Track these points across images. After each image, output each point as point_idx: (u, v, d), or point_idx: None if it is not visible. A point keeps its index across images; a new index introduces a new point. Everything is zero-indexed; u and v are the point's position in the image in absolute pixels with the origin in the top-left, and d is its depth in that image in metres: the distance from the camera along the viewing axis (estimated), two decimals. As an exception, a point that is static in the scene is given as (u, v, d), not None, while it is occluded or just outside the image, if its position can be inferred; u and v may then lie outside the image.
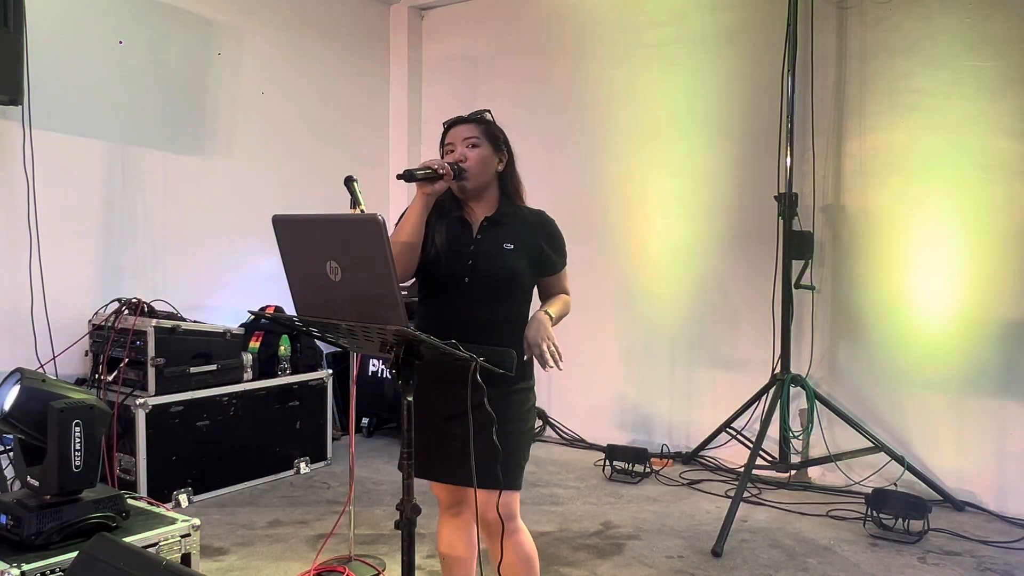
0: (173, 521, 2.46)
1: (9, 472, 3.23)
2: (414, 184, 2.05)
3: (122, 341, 3.76)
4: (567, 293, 2.27)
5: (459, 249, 2.14)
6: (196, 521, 2.48)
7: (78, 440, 2.25)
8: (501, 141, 2.21)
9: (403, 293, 1.79)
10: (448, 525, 2.32)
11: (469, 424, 1.83)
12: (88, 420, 2.27)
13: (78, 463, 2.25)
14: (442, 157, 2.17)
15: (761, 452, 3.91)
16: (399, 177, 2.02)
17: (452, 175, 2.06)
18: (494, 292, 2.11)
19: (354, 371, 3.27)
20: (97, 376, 3.81)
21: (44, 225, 3.80)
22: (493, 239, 2.15)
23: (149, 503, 2.68)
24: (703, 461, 4.52)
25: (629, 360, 4.89)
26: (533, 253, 2.17)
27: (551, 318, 2.11)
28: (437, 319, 2.14)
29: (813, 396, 3.97)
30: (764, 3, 4.31)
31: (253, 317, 4.28)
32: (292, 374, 4.34)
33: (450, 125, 2.21)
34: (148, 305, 3.89)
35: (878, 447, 3.89)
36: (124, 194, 4.24)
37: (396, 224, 2.12)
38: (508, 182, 2.23)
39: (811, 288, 4.06)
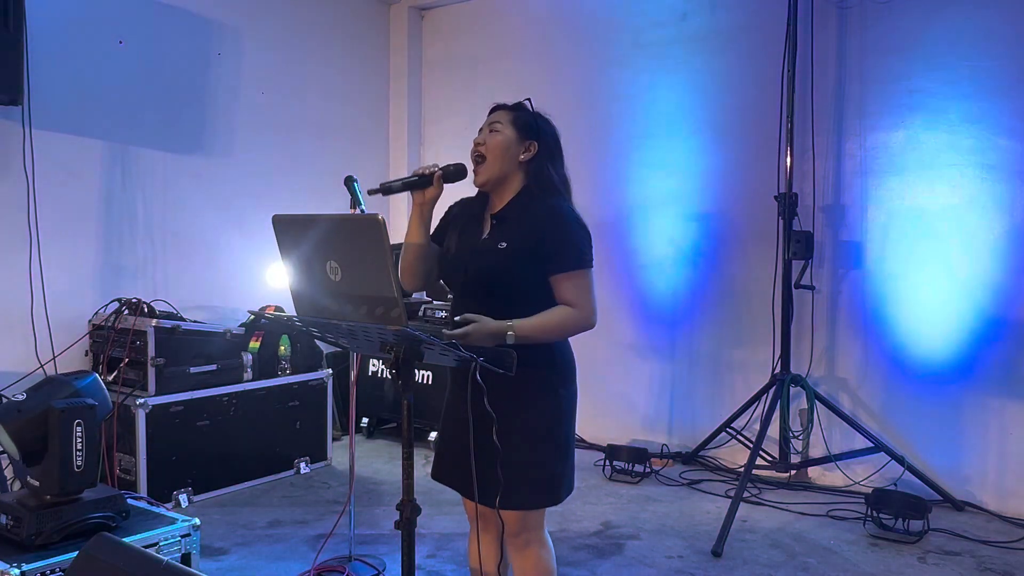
0: (173, 521, 2.47)
1: (9, 472, 3.23)
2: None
3: (122, 341, 3.76)
4: (573, 305, 2.00)
5: (462, 250, 2.10)
6: (196, 521, 2.48)
7: (79, 440, 2.25)
8: (532, 129, 2.07)
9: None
10: (474, 539, 2.19)
11: (469, 431, 1.81)
12: (89, 420, 2.26)
13: (79, 463, 2.25)
14: None
15: (761, 452, 3.91)
16: (372, 192, 1.92)
17: (442, 175, 1.98)
18: (486, 294, 2.02)
19: (354, 371, 3.27)
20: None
21: (44, 225, 3.80)
22: (494, 237, 2.05)
23: (149, 503, 2.68)
24: (703, 461, 4.52)
25: (629, 360, 4.89)
26: (534, 251, 1.98)
27: (488, 330, 1.88)
28: (453, 322, 2.13)
29: (813, 396, 3.97)
30: (764, 3, 4.30)
31: (253, 317, 4.28)
32: (292, 374, 4.34)
33: (490, 111, 2.13)
34: (148, 305, 3.89)
35: (878, 447, 3.89)
36: (124, 194, 4.24)
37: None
38: (536, 173, 2.06)
39: (811, 288, 4.06)
